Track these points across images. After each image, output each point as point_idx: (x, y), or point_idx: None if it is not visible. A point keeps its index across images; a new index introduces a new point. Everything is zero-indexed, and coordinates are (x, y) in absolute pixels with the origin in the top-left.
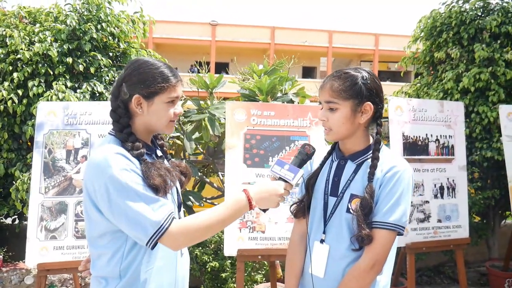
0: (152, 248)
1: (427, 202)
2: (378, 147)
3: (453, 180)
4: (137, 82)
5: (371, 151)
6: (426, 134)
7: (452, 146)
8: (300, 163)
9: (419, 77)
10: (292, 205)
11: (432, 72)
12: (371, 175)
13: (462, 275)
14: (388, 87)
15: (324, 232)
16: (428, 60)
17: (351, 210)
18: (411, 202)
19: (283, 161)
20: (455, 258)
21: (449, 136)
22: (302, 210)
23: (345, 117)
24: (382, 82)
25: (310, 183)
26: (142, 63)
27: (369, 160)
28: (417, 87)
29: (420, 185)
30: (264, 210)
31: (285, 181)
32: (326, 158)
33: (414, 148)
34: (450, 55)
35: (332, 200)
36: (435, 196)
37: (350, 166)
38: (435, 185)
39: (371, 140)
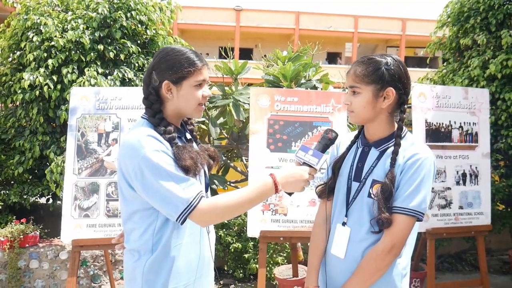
0: (182, 223)
1: (448, 188)
2: (400, 134)
3: (476, 167)
4: (166, 69)
5: (394, 139)
6: (450, 121)
7: (476, 133)
8: (323, 148)
9: (444, 64)
10: (318, 186)
11: (458, 58)
12: (392, 161)
13: (482, 261)
14: (415, 73)
15: (346, 215)
16: (454, 46)
17: (372, 195)
18: (433, 189)
19: (307, 146)
20: (477, 245)
21: (473, 123)
22: (326, 191)
23: (367, 101)
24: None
25: (336, 167)
26: (169, 51)
27: (392, 148)
28: (442, 74)
29: (442, 172)
30: (290, 194)
31: (310, 166)
32: (352, 143)
33: (437, 135)
34: (477, 41)
35: (355, 185)
36: (457, 183)
37: (373, 153)
38: (457, 172)
39: (396, 128)
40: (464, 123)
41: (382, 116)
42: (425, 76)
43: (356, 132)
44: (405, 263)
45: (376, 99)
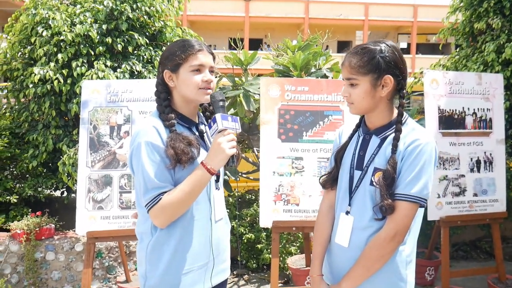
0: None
1: (462, 176)
2: (400, 119)
3: (490, 154)
4: (165, 59)
5: (394, 125)
6: (463, 108)
7: (490, 119)
8: (216, 111)
9: (457, 49)
10: (321, 176)
11: (471, 43)
12: (394, 147)
13: (498, 249)
14: (427, 60)
15: (349, 204)
16: (467, 31)
17: (374, 183)
18: (446, 176)
19: (223, 115)
20: (492, 232)
21: (487, 109)
22: (330, 181)
23: (365, 92)
24: (419, 56)
25: (338, 156)
26: (170, 44)
27: (393, 134)
28: (455, 60)
29: (456, 159)
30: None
31: (218, 132)
32: (354, 132)
33: (450, 122)
34: (491, 26)
35: (357, 174)
36: (471, 170)
37: (374, 141)
38: (471, 159)
39: (396, 114)
40: (478, 109)
41: (382, 104)
42: (438, 63)
43: (357, 120)
44: (409, 250)
45: (375, 88)
